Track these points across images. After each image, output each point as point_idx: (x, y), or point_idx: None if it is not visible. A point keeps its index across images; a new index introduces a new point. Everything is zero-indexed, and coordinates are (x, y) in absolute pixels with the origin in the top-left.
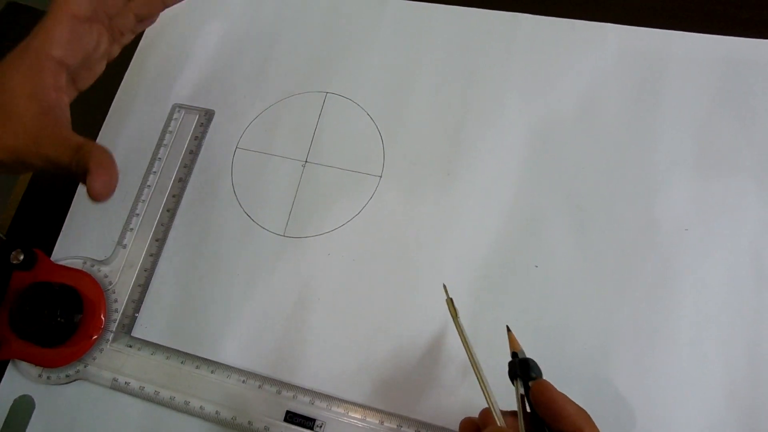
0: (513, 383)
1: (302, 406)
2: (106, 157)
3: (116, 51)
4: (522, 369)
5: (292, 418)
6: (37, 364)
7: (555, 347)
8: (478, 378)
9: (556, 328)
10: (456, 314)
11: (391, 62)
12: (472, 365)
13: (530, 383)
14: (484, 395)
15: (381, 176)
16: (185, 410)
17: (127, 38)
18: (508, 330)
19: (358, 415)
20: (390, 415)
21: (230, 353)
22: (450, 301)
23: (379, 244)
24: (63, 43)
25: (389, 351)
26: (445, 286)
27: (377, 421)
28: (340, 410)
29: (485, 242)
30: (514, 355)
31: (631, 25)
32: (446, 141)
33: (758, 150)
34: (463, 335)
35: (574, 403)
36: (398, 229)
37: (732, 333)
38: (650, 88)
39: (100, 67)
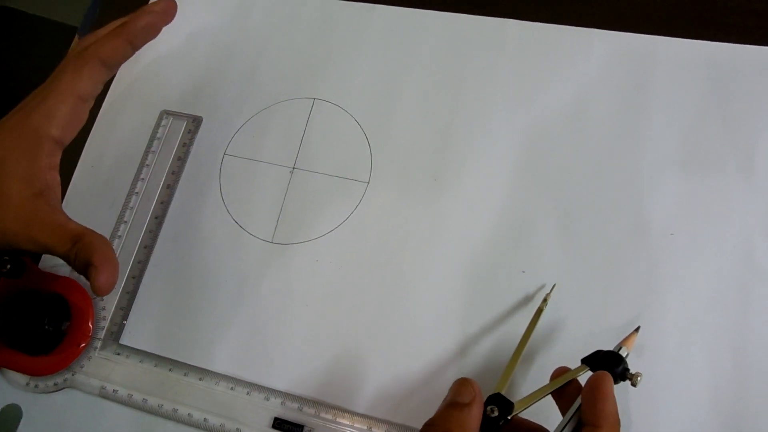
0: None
1: (290, 413)
2: (109, 249)
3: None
4: (609, 360)
5: (280, 424)
6: (24, 373)
7: (542, 351)
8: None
9: (543, 332)
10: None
11: (378, 68)
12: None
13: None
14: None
15: (368, 182)
16: (174, 418)
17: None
18: (636, 331)
19: (346, 421)
20: (378, 421)
21: (219, 360)
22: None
23: (367, 250)
24: (64, 123)
25: (378, 357)
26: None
27: (365, 427)
28: (329, 416)
29: (473, 247)
30: (618, 348)
31: (617, 31)
32: (434, 147)
33: (743, 154)
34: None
35: (616, 408)
36: (386, 235)
37: (717, 337)
38: (636, 92)
39: (83, 123)
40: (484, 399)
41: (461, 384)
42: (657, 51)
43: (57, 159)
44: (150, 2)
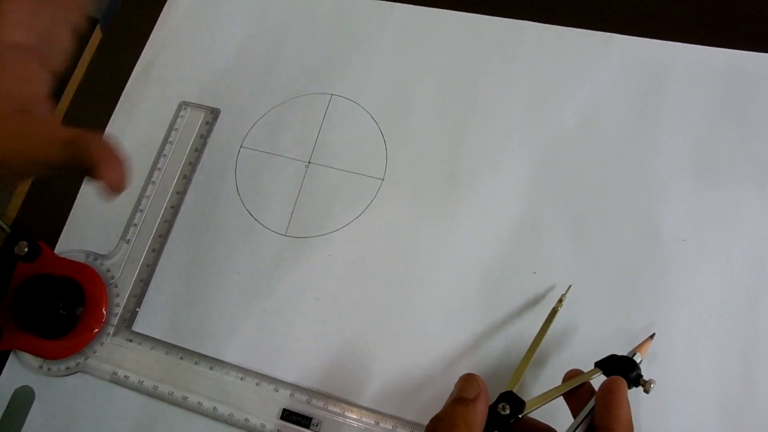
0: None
1: (299, 405)
2: (107, 147)
3: (80, 20)
4: (623, 365)
5: (288, 416)
6: (38, 356)
7: (550, 352)
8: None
9: (552, 333)
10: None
11: (395, 66)
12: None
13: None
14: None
15: (383, 179)
16: (183, 405)
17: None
18: (651, 338)
19: (354, 415)
20: (386, 415)
21: (229, 350)
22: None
23: (380, 247)
24: (22, 25)
25: (387, 352)
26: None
27: (373, 422)
28: (337, 410)
29: (484, 247)
30: (632, 354)
31: (634, 36)
32: (448, 146)
33: (757, 162)
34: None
35: (630, 414)
36: (399, 232)
37: (727, 343)
38: (652, 98)
39: (68, 41)
40: (496, 397)
41: (466, 380)
42: (673, 57)
43: (31, 68)
44: None
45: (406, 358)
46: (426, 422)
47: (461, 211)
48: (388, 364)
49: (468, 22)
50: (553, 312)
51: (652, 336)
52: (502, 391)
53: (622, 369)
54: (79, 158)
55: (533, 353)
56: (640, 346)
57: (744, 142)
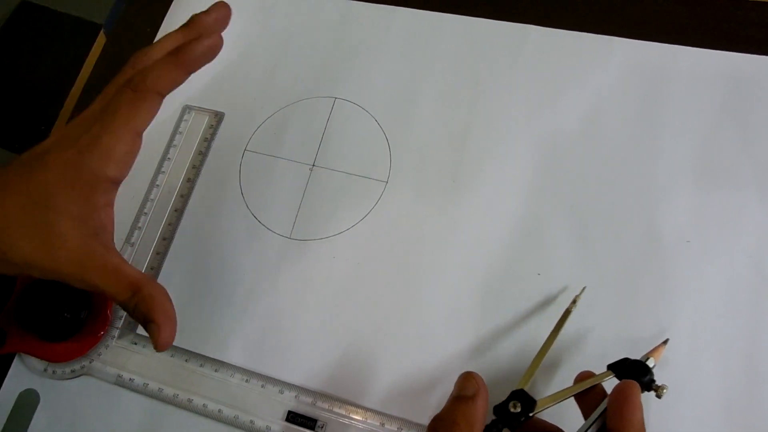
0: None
1: (304, 407)
2: (168, 303)
3: None
4: (636, 369)
5: (293, 418)
6: (42, 359)
7: (555, 355)
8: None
9: (559, 336)
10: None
11: (399, 70)
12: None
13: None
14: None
15: (387, 182)
16: (188, 408)
17: None
18: (665, 343)
19: (359, 417)
20: (391, 417)
21: (234, 353)
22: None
23: (384, 249)
24: (121, 162)
25: (392, 354)
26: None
27: (378, 423)
28: (342, 411)
29: (488, 249)
30: (645, 359)
31: (636, 39)
32: (452, 148)
33: (759, 165)
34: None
35: (642, 418)
36: (403, 235)
37: (730, 345)
38: (654, 101)
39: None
40: (505, 396)
41: (465, 378)
42: (675, 60)
43: (113, 197)
44: (200, 13)
45: (411, 359)
46: None
47: (465, 213)
48: (393, 366)
49: (471, 25)
50: (567, 313)
51: (665, 341)
52: (512, 389)
53: (635, 373)
54: (142, 311)
55: (545, 353)
56: (654, 351)
57: (746, 145)
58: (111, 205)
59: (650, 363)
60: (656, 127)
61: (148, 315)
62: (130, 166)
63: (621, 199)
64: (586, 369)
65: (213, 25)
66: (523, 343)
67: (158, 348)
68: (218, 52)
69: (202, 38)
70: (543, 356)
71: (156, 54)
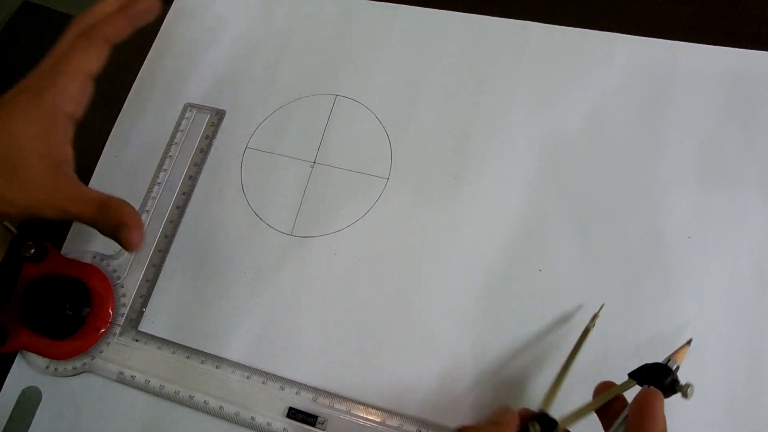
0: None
1: (305, 403)
2: (135, 212)
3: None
4: (657, 372)
5: (294, 414)
6: (44, 356)
7: (557, 351)
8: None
9: (559, 332)
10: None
11: (401, 67)
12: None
13: (645, 387)
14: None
15: (388, 178)
16: (189, 404)
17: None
18: (688, 343)
19: (360, 413)
20: (392, 413)
21: (235, 349)
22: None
23: (385, 246)
24: (76, 99)
25: (393, 350)
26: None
27: (379, 420)
28: (343, 407)
29: (490, 245)
30: (667, 360)
31: (639, 36)
32: (453, 146)
33: (762, 161)
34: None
35: (665, 428)
36: (404, 231)
37: (733, 343)
38: (657, 98)
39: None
40: (509, 391)
41: (505, 411)
42: (679, 57)
43: (71, 133)
44: None
45: (413, 356)
46: (431, 418)
47: (466, 210)
48: (394, 362)
49: (472, 22)
50: (586, 331)
51: (689, 342)
52: (514, 385)
53: (656, 377)
54: (113, 221)
55: (566, 373)
56: (677, 352)
57: (749, 141)
58: (70, 141)
59: (672, 364)
60: (659, 124)
61: (119, 220)
62: (84, 105)
63: (623, 197)
64: (592, 372)
65: None
66: (524, 339)
67: (131, 248)
68: (156, 12)
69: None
70: (564, 376)
71: (104, 9)
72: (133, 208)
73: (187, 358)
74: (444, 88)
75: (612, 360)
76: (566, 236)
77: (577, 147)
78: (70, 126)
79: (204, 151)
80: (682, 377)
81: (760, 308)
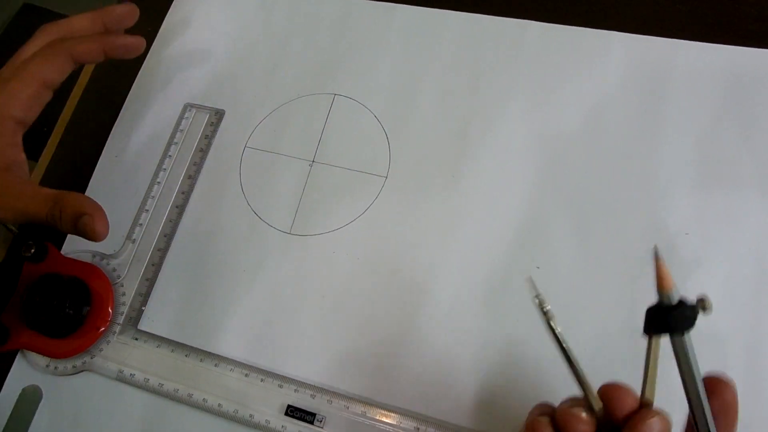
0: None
1: (303, 401)
2: (93, 201)
3: (74, 67)
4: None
5: (293, 412)
6: (44, 355)
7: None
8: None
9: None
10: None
11: (399, 66)
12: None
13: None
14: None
15: (386, 177)
16: (188, 402)
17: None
18: (657, 258)
19: (358, 410)
20: (390, 409)
21: (234, 347)
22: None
23: (384, 244)
24: (26, 105)
25: (392, 347)
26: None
27: (377, 416)
28: (341, 404)
29: (489, 243)
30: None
31: (637, 34)
32: (452, 144)
33: (760, 158)
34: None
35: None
36: (402, 229)
37: (731, 340)
38: (655, 96)
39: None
40: (508, 386)
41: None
42: (676, 54)
43: (19, 137)
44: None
45: (412, 353)
46: (431, 414)
47: (465, 208)
48: (393, 359)
49: (470, 21)
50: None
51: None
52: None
53: (681, 321)
54: (71, 213)
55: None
56: (662, 279)
57: (747, 139)
58: (18, 145)
59: (672, 297)
60: (657, 122)
61: (79, 210)
62: (35, 112)
63: (621, 194)
64: (581, 368)
65: (122, 19)
66: (524, 335)
67: (97, 237)
68: (140, 51)
69: (127, 36)
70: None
71: (78, 23)
72: (90, 198)
73: (186, 356)
74: (442, 87)
75: (611, 357)
76: (564, 234)
77: (576, 145)
78: (18, 130)
79: (203, 151)
80: None
81: (759, 305)
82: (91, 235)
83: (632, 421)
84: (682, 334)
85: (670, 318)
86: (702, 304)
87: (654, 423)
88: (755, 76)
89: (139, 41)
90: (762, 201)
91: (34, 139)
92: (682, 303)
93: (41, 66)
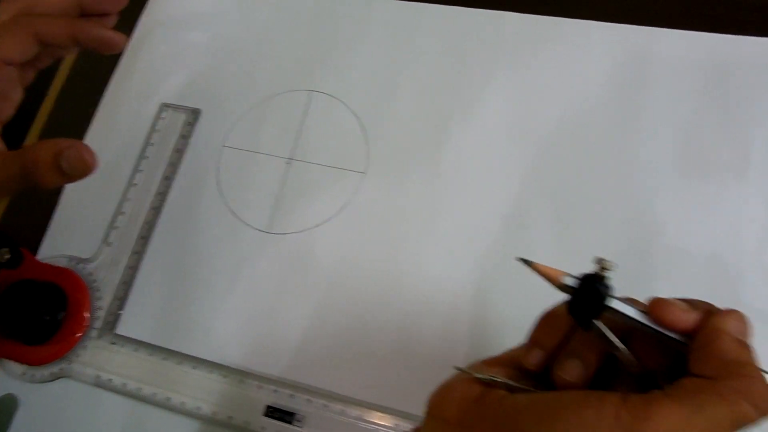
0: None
1: (282, 400)
2: (57, 141)
3: (32, 75)
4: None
5: (272, 412)
6: (21, 362)
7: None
8: None
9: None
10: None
11: (377, 61)
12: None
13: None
14: None
15: (365, 173)
16: (167, 406)
17: (44, 64)
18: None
19: (338, 407)
20: (370, 406)
21: (213, 349)
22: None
23: (362, 240)
24: None
25: (370, 345)
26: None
27: (357, 413)
28: (321, 402)
29: (469, 236)
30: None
31: (616, 23)
32: (430, 139)
33: (738, 146)
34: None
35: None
36: (381, 225)
37: None
38: (634, 84)
39: (18, 96)
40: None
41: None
42: (655, 42)
43: None
44: None
45: (393, 349)
46: (411, 410)
47: (445, 202)
48: (373, 356)
49: (449, 14)
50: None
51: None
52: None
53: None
54: (47, 157)
55: None
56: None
57: (726, 125)
58: None
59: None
60: (637, 111)
61: (54, 149)
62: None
63: (602, 184)
64: None
65: (102, 2)
66: (508, 327)
67: (89, 167)
68: (119, 48)
69: (105, 29)
70: None
71: (47, 5)
72: (55, 139)
73: (164, 359)
74: (420, 82)
75: None
76: (546, 224)
77: (556, 136)
78: None
79: (180, 151)
80: None
81: (738, 291)
82: (82, 167)
83: (709, 327)
84: (606, 296)
85: (592, 295)
86: (602, 265)
87: (730, 320)
88: (734, 63)
89: (118, 37)
90: (740, 188)
91: (10, 142)
92: (585, 280)
93: (3, 43)
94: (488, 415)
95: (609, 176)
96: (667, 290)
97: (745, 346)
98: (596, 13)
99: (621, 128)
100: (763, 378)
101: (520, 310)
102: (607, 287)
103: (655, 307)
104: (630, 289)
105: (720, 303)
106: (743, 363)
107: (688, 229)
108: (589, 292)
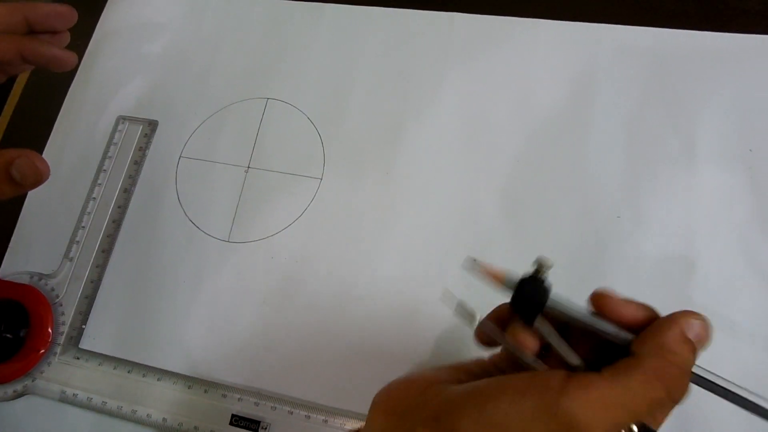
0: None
1: (247, 409)
2: (11, 149)
3: (1, 79)
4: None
5: (237, 421)
6: None
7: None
8: None
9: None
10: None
11: (329, 66)
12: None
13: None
14: None
15: (322, 178)
16: (133, 419)
17: (13, 71)
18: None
19: (303, 413)
20: (335, 411)
21: (177, 360)
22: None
23: (322, 244)
24: None
25: (333, 348)
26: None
27: (322, 418)
28: (286, 409)
29: (426, 236)
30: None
31: (561, 21)
32: (385, 140)
33: (684, 136)
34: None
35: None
36: (339, 229)
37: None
38: (581, 79)
39: None
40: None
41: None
42: (600, 38)
43: None
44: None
45: (354, 352)
46: None
47: (400, 202)
48: (336, 361)
49: (399, 17)
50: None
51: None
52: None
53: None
54: None
55: None
56: (490, 274)
57: (671, 117)
58: None
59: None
60: (584, 105)
61: (5, 159)
62: None
63: (553, 179)
64: None
65: (50, 19)
66: (466, 327)
67: (42, 175)
68: (70, 66)
69: (54, 47)
70: None
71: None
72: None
73: (129, 372)
74: (373, 84)
75: None
76: (499, 220)
77: (507, 133)
78: None
79: (138, 163)
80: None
81: (691, 282)
82: (34, 175)
83: (667, 317)
84: (546, 294)
85: (534, 293)
86: (541, 263)
87: (692, 319)
88: (675, 56)
89: (68, 56)
90: (688, 178)
91: None
92: (528, 279)
93: None
94: (429, 403)
95: (560, 171)
96: (619, 282)
97: (689, 344)
98: (543, 12)
99: (571, 124)
100: (685, 369)
101: (478, 307)
102: (545, 287)
103: (595, 298)
104: (583, 281)
105: (672, 294)
106: (675, 351)
107: (639, 222)
108: (528, 292)
